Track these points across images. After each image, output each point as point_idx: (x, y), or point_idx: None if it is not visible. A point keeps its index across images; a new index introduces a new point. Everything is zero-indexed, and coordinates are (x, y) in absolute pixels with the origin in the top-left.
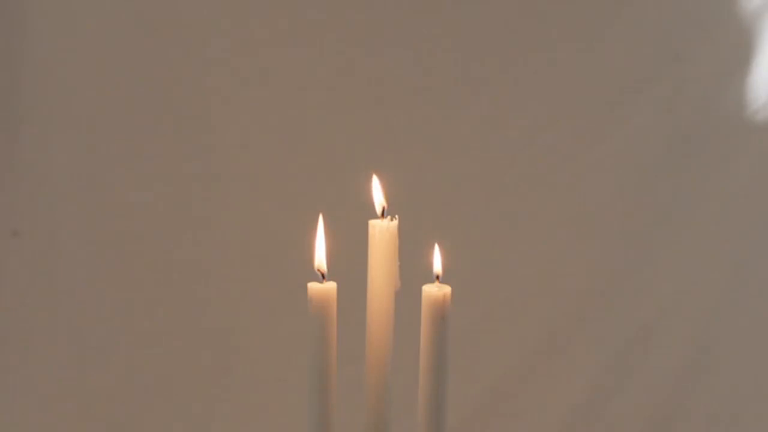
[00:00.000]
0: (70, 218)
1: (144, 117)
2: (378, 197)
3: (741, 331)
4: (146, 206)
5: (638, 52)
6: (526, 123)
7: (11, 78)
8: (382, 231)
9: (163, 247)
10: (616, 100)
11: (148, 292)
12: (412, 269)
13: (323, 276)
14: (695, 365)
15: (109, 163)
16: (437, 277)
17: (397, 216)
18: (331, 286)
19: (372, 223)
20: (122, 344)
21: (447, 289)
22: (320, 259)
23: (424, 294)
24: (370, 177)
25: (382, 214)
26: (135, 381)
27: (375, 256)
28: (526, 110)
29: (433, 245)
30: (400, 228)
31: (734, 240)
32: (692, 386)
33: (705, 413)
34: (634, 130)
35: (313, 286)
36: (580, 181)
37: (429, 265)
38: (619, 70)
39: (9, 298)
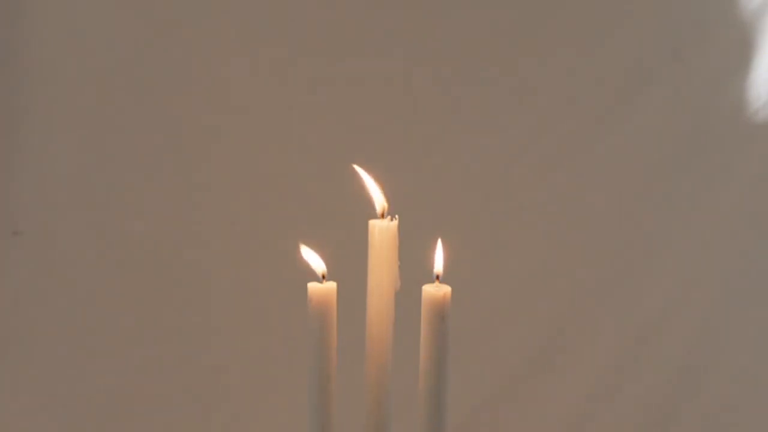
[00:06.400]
0: (70, 218)
1: (144, 117)
2: (375, 194)
3: (741, 332)
4: (146, 206)
5: (638, 52)
6: (526, 123)
7: (11, 78)
8: (382, 231)
9: (162, 246)
10: (616, 100)
11: (148, 292)
12: (412, 269)
13: (323, 276)
14: (696, 365)
15: (109, 163)
16: (437, 277)
17: (397, 216)
18: (331, 286)
19: (372, 223)
20: (122, 344)
21: (447, 289)
22: (320, 259)
23: (424, 294)
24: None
25: (382, 214)
26: (135, 381)
27: (375, 256)
28: (526, 110)
29: (435, 242)
30: (400, 228)
31: (734, 240)
32: (692, 387)
33: (704, 414)
34: (634, 130)
35: (313, 286)
36: (580, 181)
37: (431, 260)
38: (619, 70)
39: (9, 298)
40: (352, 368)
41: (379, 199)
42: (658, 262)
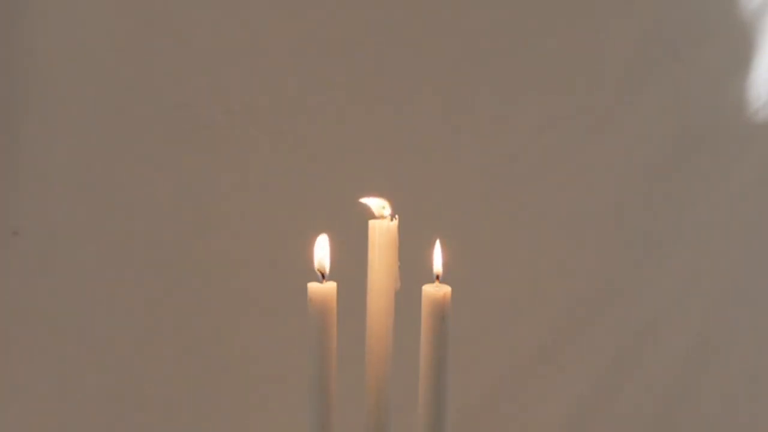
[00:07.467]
0: (70, 218)
1: (144, 117)
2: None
3: (741, 331)
4: (146, 206)
5: (638, 52)
6: (526, 123)
7: (11, 78)
8: (382, 231)
9: (162, 246)
10: (615, 100)
11: (147, 292)
12: (412, 269)
13: (323, 276)
14: (696, 365)
15: (109, 163)
16: (437, 277)
17: (397, 216)
18: (331, 286)
19: (372, 223)
20: (122, 344)
21: (447, 289)
22: (321, 259)
23: (424, 294)
24: (371, 179)
25: (382, 214)
26: (135, 381)
27: (375, 256)
28: (526, 110)
29: (435, 242)
30: (400, 228)
31: (734, 240)
32: (692, 386)
33: (705, 414)
34: (634, 130)
35: (313, 286)
36: (580, 181)
37: (431, 260)
38: (618, 69)
39: (9, 298)
40: (352, 368)
41: (378, 206)
42: (658, 262)
